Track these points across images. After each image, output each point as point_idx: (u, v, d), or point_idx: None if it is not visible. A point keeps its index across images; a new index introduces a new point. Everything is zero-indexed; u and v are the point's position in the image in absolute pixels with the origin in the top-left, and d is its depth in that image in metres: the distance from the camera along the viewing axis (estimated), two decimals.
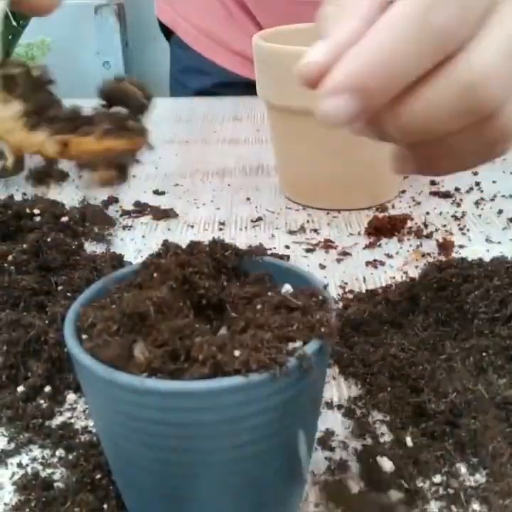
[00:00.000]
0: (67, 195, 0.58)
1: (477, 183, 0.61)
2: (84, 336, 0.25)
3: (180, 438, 0.23)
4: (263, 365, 0.22)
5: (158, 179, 0.63)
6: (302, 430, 0.25)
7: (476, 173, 0.63)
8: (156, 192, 0.61)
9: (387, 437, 0.32)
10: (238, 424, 0.23)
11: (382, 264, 0.48)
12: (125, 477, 0.26)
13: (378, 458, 0.30)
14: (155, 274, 0.27)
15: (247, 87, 0.86)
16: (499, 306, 0.35)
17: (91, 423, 0.34)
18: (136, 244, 0.51)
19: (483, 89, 0.24)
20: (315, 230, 0.53)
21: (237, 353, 0.23)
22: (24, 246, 0.43)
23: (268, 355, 0.23)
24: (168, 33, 0.94)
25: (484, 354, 0.33)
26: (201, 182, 0.63)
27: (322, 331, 0.24)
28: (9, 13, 0.58)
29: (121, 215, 0.56)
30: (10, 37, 0.60)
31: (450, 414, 0.32)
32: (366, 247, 0.50)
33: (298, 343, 0.24)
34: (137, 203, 0.58)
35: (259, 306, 0.26)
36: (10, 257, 0.42)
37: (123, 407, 0.23)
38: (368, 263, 0.48)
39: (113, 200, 0.59)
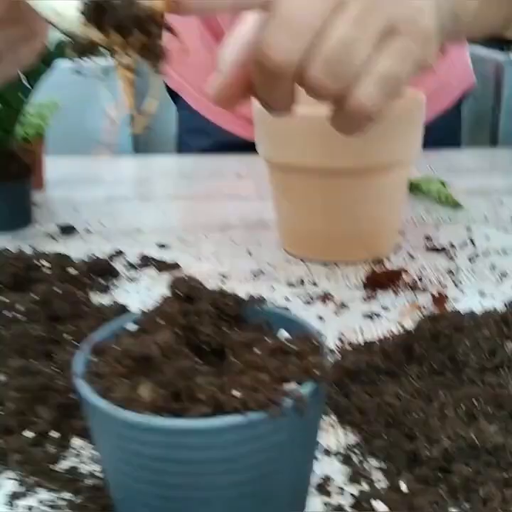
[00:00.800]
0: (74, 249, 0.61)
1: (471, 239, 0.63)
2: (92, 378, 0.26)
3: (183, 475, 0.24)
4: (261, 405, 0.24)
5: (163, 233, 0.66)
6: (298, 468, 0.26)
7: (469, 229, 0.65)
8: (161, 245, 0.63)
9: (383, 483, 0.33)
10: (238, 461, 0.24)
11: (379, 316, 0.50)
12: None
13: (374, 502, 0.31)
14: (159, 321, 0.29)
15: (247, 147, 0.89)
16: (489, 355, 0.36)
17: (97, 468, 0.35)
18: (140, 295, 0.53)
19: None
20: (313, 283, 0.55)
21: (236, 393, 0.24)
22: (34, 296, 0.45)
23: (265, 395, 0.24)
24: (174, 96, 0.98)
25: (475, 402, 0.34)
26: (204, 236, 0.65)
27: (316, 374, 0.26)
28: (21, 73, 0.62)
29: (126, 268, 0.58)
30: (21, 96, 0.63)
31: (443, 460, 0.33)
32: (363, 299, 0.52)
33: (293, 385, 0.25)
34: (142, 257, 0.60)
35: (257, 350, 0.28)
36: (20, 307, 0.44)
37: (129, 445, 0.24)
38: (364, 315, 0.50)
39: (119, 253, 0.61)
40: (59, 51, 0.59)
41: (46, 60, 0.58)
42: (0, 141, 0.63)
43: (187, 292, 0.31)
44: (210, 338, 0.29)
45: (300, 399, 0.25)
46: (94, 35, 0.32)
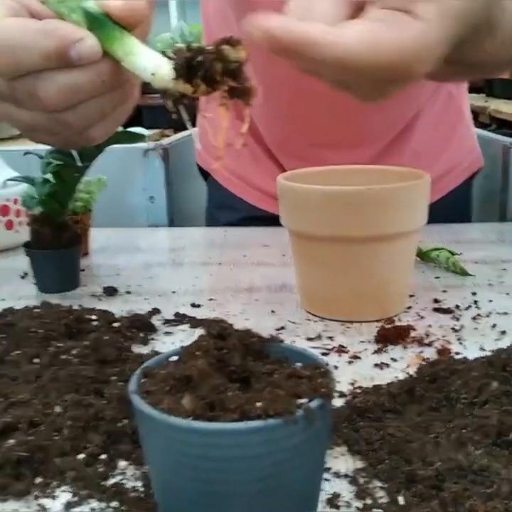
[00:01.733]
0: (116, 307, 0.68)
1: (475, 302, 0.69)
2: (143, 395, 0.33)
3: (216, 471, 0.30)
4: (278, 413, 0.30)
5: (195, 294, 0.73)
6: (309, 470, 0.32)
7: (475, 294, 0.71)
8: (193, 305, 0.70)
9: (384, 499, 0.38)
10: (259, 460, 0.30)
11: (388, 366, 0.55)
12: (171, 510, 0.33)
13: None
14: (197, 353, 0.36)
15: (271, 221, 0.98)
16: (477, 392, 0.42)
17: (139, 484, 0.41)
18: (176, 347, 0.60)
19: None
20: (330, 338, 0.61)
21: (258, 404, 0.31)
22: (85, 343, 0.52)
23: (282, 406, 0.31)
24: (205, 174, 1.08)
25: (464, 431, 0.40)
26: (232, 297, 0.72)
27: (323, 392, 0.32)
28: (76, 155, 0.71)
29: (163, 324, 0.65)
30: (76, 174, 0.72)
31: (436, 479, 0.38)
32: (374, 352, 0.58)
33: (305, 400, 0.32)
34: (177, 314, 0.67)
35: (276, 376, 0.34)
36: (74, 351, 0.51)
37: (173, 445, 0.31)
38: (375, 365, 0.56)
39: (156, 311, 0.68)
40: (109, 138, 0.68)
41: (100, 146, 0.67)
42: (55, 213, 0.72)
43: (219, 331, 0.38)
44: (238, 368, 0.36)
45: (310, 411, 0.31)
46: (185, 88, 0.37)
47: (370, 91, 0.40)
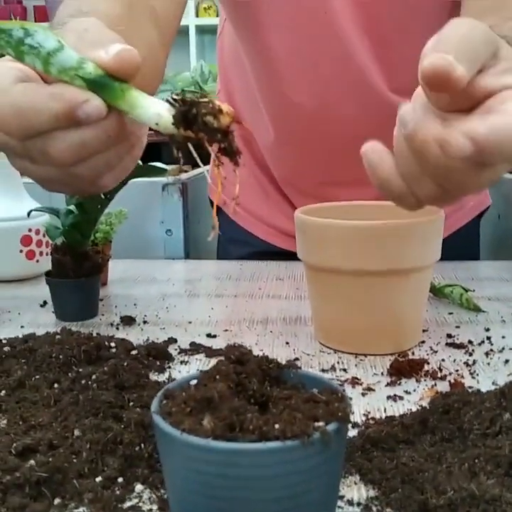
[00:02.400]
0: (133, 337, 0.69)
1: (488, 338, 0.70)
2: (164, 415, 0.34)
3: (234, 489, 0.31)
4: (295, 435, 0.31)
5: (211, 325, 0.74)
6: (325, 492, 0.32)
7: (487, 330, 0.72)
8: (209, 335, 0.71)
9: None
10: (276, 480, 0.31)
11: (401, 398, 0.56)
12: None
13: None
14: (217, 377, 0.37)
15: (282, 255, 0.99)
16: (489, 423, 0.43)
17: (155, 507, 0.41)
18: None
19: None
20: (344, 370, 0.62)
21: (276, 426, 0.32)
22: (105, 368, 0.53)
23: (299, 428, 0.32)
24: (217, 209, 1.10)
25: (476, 461, 0.41)
26: (247, 328, 0.73)
27: (340, 416, 0.33)
28: None
29: (179, 353, 0.66)
30: (99, 206, 0.74)
31: (448, 508, 0.38)
32: (388, 384, 0.59)
33: (321, 423, 0.33)
34: (192, 343, 0.68)
35: (293, 400, 0.35)
36: (93, 377, 0.52)
37: (192, 464, 0.32)
38: (388, 397, 0.56)
39: (173, 340, 0.69)
40: (132, 172, 0.70)
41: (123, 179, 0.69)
42: (77, 243, 0.74)
43: (238, 357, 0.39)
44: (256, 392, 0.37)
45: (326, 433, 0.32)
46: (188, 134, 0.41)
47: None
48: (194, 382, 0.37)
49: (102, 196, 0.74)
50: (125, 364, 0.54)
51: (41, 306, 0.82)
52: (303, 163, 0.95)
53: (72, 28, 0.45)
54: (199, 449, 0.31)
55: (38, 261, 0.93)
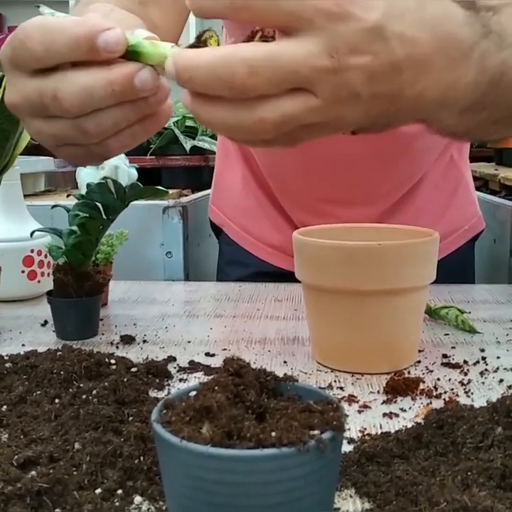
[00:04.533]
0: (133, 355, 0.70)
1: (483, 358, 0.71)
2: (164, 424, 0.35)
3: (231, 495, 0.32)
4: (291, 442, 0.32)
5: (210, 345, 0.75)
6: (319, 500, 0.33)
7: (483, 350, 0.73)
8: (207, 354, 0.72)
9: None
10: (272, 486, 0.32)
11: (397, 415, 0.57)
12: None
13: None
14: (215, 388, 0.38)
15: (280, 276, 1.01)
16: (482, 437, 0.43)
17: None
18: None
19: None
20: (341, 388, 0.63)
21: (273, 434, 0.33)
22: (105, 384, 0.54)
23: (295, 436, 0.33)
24: (217, 230, 1.12)
25: (469, 473, 0.41)
26: (246, 348, 0.74)
27: (335, 424, 0.34)
28: (102, 208, 0.75)
29: (178, 371, 0.67)
30: (101, 227, 0.76)
31: None
32: (384, 402, 0.60)
33: (317, 431, 0.34)
34: (191, 362, 0.69)
35: (290, 411, 0.36)
36: (94, 392, 0.53)
37: (191, 471, 0.33)
38: (384, 414, 0.57)
39: (172, 359, 0.70)
40: (134, 193, 0.72)
41: (124, 200, 0.71)
42: (79, 263, 0.75)
43: (236, 369, 0.40)
44: (254, 403, 0.38)
45: (321, 441, 0.33)
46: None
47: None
48: (193, 393, 0.38)
49: (104, 217, 0.75)
50: (125, 380, 0.55)
51: (42, 325, 0.83)
52: (303, 181, 0.97)
53: (96, 8, 0.48)
54: (198, 456, 0.32)
55: (39, 281, 0.94)
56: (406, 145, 0.92)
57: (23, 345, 0.75)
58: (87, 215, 0.73)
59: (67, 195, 0.81)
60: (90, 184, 0.74)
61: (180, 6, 0.79)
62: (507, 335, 0.78)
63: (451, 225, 1.02)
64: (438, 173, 1.01)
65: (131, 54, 0.45)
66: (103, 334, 0.79)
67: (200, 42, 0.44)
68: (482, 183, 2.25)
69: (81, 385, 0.55)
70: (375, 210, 0.97)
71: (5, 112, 0.72)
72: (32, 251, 0.93)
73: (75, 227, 0.74)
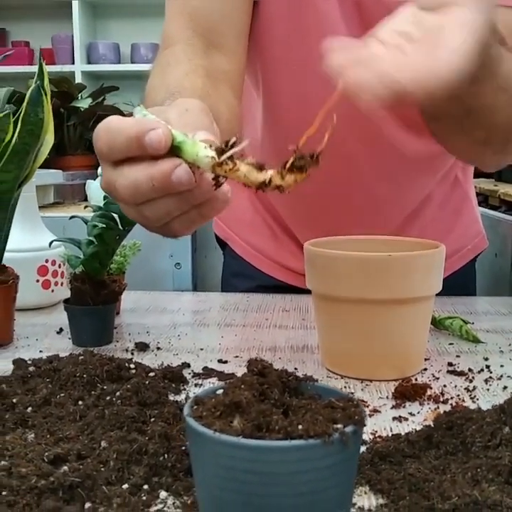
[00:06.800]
0: (148, 362, 0.72)
1: (487, 366, 0.73)
2: (196, 419, 0.38)
3: (260, 484, 0.35)
4: (317, 434, 0.35)
5: (221, 352, 0.77)
6: (341, 489, 0.36)
7: (487, 359, 0.75)
8: (220, 361, 0.74)
9: None
10: (299, 476, 0.34)
11: (406, 419, 0.59)
12: None
13: None
14: (242, 386, 0.41)
15: (286, 291, 1.03)
16: (490, 436, 0.46)
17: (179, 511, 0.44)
18: None
19: None
20: (351, 393, 0.65)
21: (300, 426, 0.35)
22: (128, 386, 0.57)
23: (321, 428, 0.35)
24: (222, 244, 1.15)
25: (479, 470, 0.44)
26: (257, 355, 0.76)
27: (356, 419, 0.36)
28: (118, 219, 0.77)
29: (192, 376, 0.70)
30: (117, 237, 0.78)
31: None
32: (393, 407, 0.62)
33: (340, 425, 0.36)
34: (205, 368, 0.71)
35: (313, 406, 0.38)
36: (117, 393, 0.56)
37: (223, 460, 0.35)
38: (394, 418, 0.59)
39: (186, 365, 0.72)
40: None
41: None
42: (95, 272, 0.78)
43: (260, 369, 0.42)
44: (278, 401, 0.40)
45: (344, 434, 0.35)
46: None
47: None
48: (221, 391, 0.41)
49: (120, 228, 0.78)
50: (147, 382, 0.57)
51: (57, 332, 0.85)
52: (311, 211, 0.99)
53: (178, 104, 0.54)
54: (230, 447, 0.35)
55: (52, 290, 0.97)
56: (415, 166, 0.94)
57: (40, 351, 0.77)
58: (105, 225, 0.76)
59: (84, 207, 0.83)
60: (107, 196, 0.76)
61: None
62: (509, 345, 0.81)
63: (455, 245, 1.04)
64: (443, 193, 1.03)
65: (177, 150, 0.48)
66: (118, 341, 0.81)
67: (226, 146, 0.47)
68: (482, 199, 2.29)
69: (104, 387, 0.58)
70: (381, 231, 0.99)
71: (27, 126, 0.75)
72: (47, 261, 0.95)
73: (92, 238, 0.77)
